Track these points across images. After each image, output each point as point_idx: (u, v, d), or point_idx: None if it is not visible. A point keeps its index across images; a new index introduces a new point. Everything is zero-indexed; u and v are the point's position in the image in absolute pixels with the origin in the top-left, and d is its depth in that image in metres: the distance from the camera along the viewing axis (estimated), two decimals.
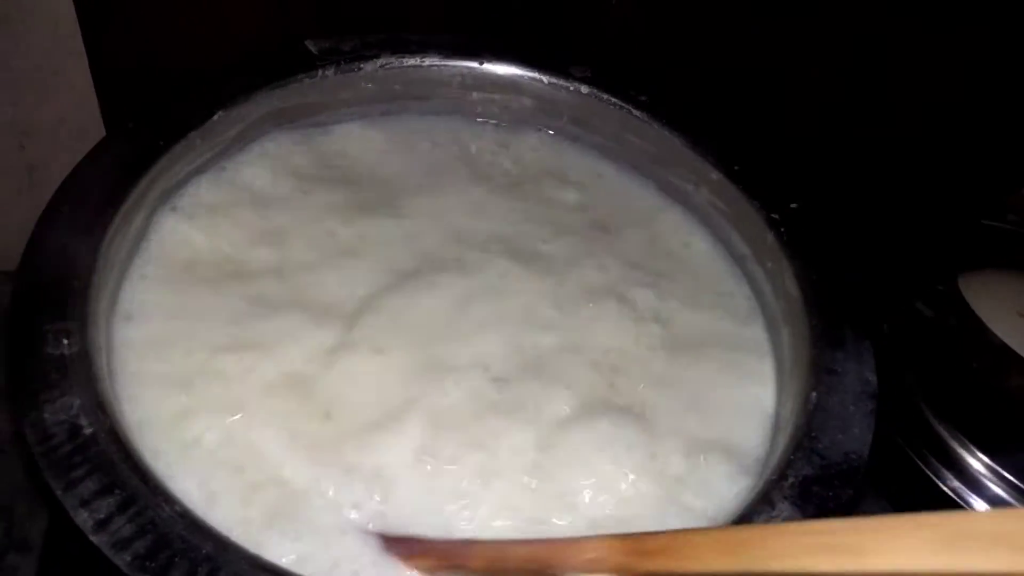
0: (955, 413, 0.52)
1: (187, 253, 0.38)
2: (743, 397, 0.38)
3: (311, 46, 0.44)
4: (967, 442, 0.51)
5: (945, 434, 0.52)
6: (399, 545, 0.30)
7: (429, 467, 0.33)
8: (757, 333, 0.40)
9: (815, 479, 0.31)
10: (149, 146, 0.37)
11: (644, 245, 0.44)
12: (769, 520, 0.29)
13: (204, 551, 0.26)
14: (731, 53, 0.62)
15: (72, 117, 0.61)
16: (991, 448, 0.51)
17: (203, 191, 0.40)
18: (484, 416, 0.34)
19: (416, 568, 0.30)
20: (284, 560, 0.29)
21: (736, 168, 0.43)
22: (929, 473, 0.52)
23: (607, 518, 0.32)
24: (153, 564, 0.25)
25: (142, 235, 0.37)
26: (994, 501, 0.50)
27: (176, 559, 0.26)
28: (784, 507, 0.30)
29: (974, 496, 0.51)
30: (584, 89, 0.46)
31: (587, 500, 0.33)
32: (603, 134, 0.47)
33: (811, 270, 0.39)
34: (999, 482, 0.50)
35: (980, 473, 0.51)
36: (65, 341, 0.30)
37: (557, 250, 0.42)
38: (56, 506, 0.26)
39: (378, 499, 0.32)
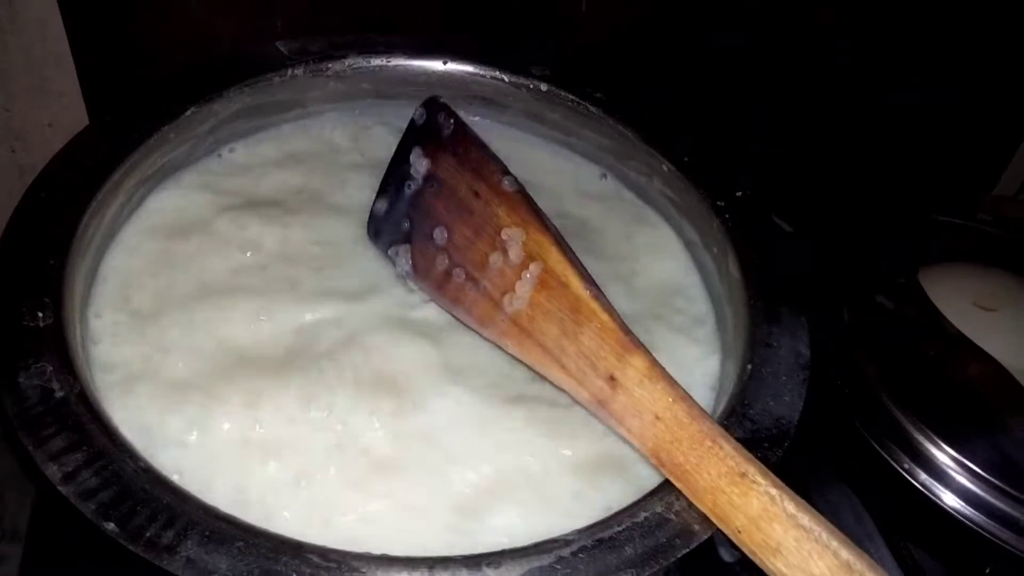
0: (914, 401, 0.53)
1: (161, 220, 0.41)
2: (690, 368, 0.40)
3: (282, 47, 0.46)
4: (926, 429, 0.53)
5: (904, 422, 0.53)
6: None
7: None
8: (703, 312, 0.43)
9: (746, 441, 0.33)
10: (124, 138, 0.40)
11: (600, 233, 0.46)
12: None
13: (164, 501, 0.28)
14: (696, 58, 0.65)
15: (60, 120, 0.64)
16: (948, 435, 0.52)
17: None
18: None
19: None
20: None
21: (685, 160, 0.45)
22: (889, 459, 0.54)
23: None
24: (116, 512, 0.27)
25: (117, 217, 0.39)
26: (951, 485, 0.52)
27: (138, 508, 0.28)
28: None
29: (932, 480, 0.53)
30: (543, 87, 0.48)
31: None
32: (561, 129, 0.49)
33: (753, 253, 0.41)
34: (957, 468, 0.52)
35: (938, 459, 0.53)
36: (40, 314, 0.32)
37: None
38: (37, 479, 0.28)
39: None
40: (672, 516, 0.30)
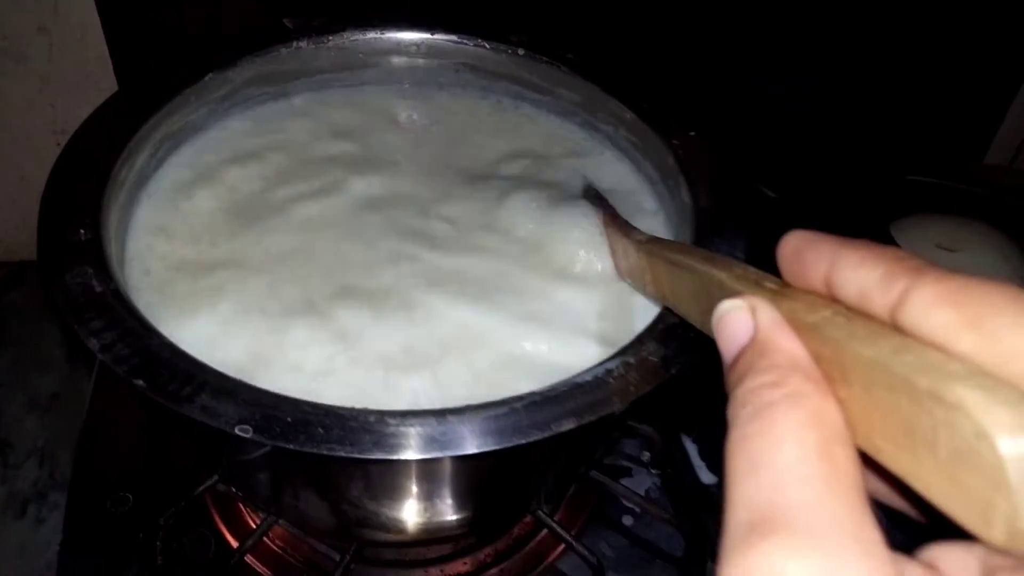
0: None
1: (187, 175, 0.47)
2: None
3: (288, 23, 0.52)
4: None
5: None
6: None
7: None
8: (659, 230, 0.48)
9: (676, 326, 0.38)
10: (152, 99, 0.46)
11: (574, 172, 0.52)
12: (638, 351, 0.36)
13: (181, 365, 0.34)
14: (687, 41, 0.70)
15: None
16: None
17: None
18: None
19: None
20: None
21: (645, 107, 0.51)
22: None
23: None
24: (144, 372, 0.33)
25: (147, 165, 0.46)
26: None
27: (161, 370, 0.33)
28: (651, 345, 0.37)
29: None
30: (521, 51, 0.54)
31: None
32: (538, 89, 0.55)
33: (701, 183, 0.46)
34: None
35: None
36: (82, 231, 0.39)
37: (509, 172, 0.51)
38: (83, 352, 0.34)
39: None
40: (611, 380, 0.35)
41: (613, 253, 0.43)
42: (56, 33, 0.69)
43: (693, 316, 0.30)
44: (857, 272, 0.20)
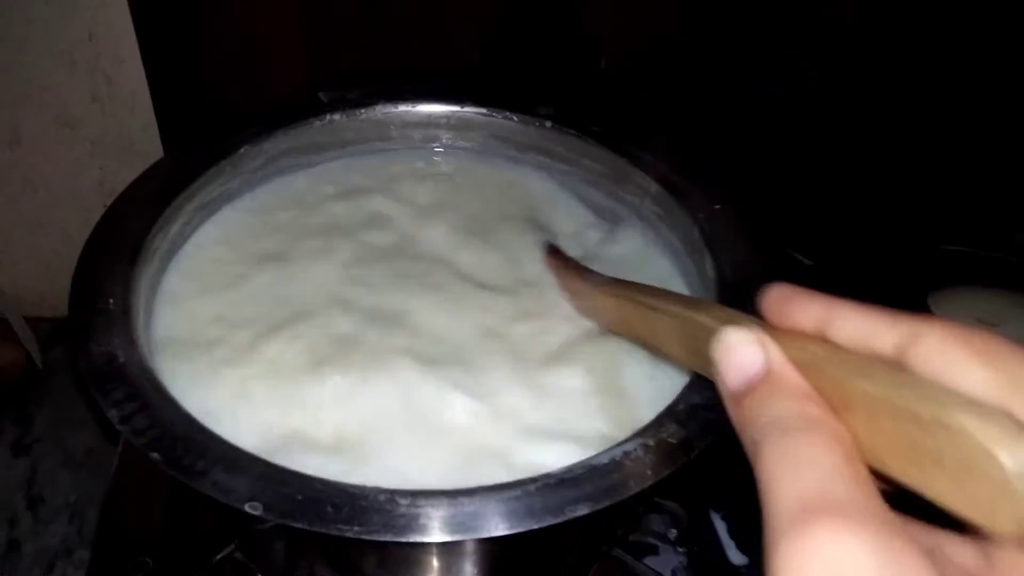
0: None
1: (217, 253, 0.48)
2: None
3: (323, 96, 0.54)
4: None
5: None
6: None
7: None
8: None
9: (702, 406, 0.37)
10: (187, 170, 0.48)
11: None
12: (657, 433, 0.36)
13: (197, 439, 0.34)
14: (707, 104, 0.71)
15: None
16: None
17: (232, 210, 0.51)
18: None
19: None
20: None
21: (672, 181, 0.51)
22: None
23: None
24: (160, 446, 0.34)
25: (180, 233, 0.47)
26: None
27: (177, 443, 0.34)
28: (671, 427, 0.36)
29: None
30: (548, 124, 0.55)
31: None
32: (566, 160, 0.55)
33: (726, 257, 0.46)
34: None
35: None
36: (111, 301, 0.40)
37: None
38: (102, 423, 0.34)
39: None
40: (628, 462, 0.34)
41: (569, 294, 0.45)
42: (108, 102, 0.72)
43: (674, 354, 0.31)
44: (860, 314, 0.22)
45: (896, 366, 0.21)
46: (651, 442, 0.35)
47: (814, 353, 0.22)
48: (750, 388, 0.22)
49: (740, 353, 0.23)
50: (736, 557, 0.55)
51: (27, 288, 0.80)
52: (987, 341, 0.20)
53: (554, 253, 0.49)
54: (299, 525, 0.31)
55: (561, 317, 0.46)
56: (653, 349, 0.34)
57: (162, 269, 0.46)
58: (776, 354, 0.23)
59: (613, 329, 0.40)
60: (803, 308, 0.24)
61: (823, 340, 0.23)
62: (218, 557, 0.46)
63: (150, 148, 0.74)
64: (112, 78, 0.70)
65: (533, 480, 0.34)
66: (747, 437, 0.22)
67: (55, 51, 0.67)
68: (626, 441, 0.36)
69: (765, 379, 0.22)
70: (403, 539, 0.32)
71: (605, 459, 0.35)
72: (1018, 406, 0.19)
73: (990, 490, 0.18)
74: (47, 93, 0.69)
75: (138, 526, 0.52)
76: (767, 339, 0.23)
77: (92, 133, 0.73)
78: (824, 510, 0.18)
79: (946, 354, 0.20)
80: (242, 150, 0.50)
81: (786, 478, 0.19)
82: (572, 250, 0.50)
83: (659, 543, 0.54)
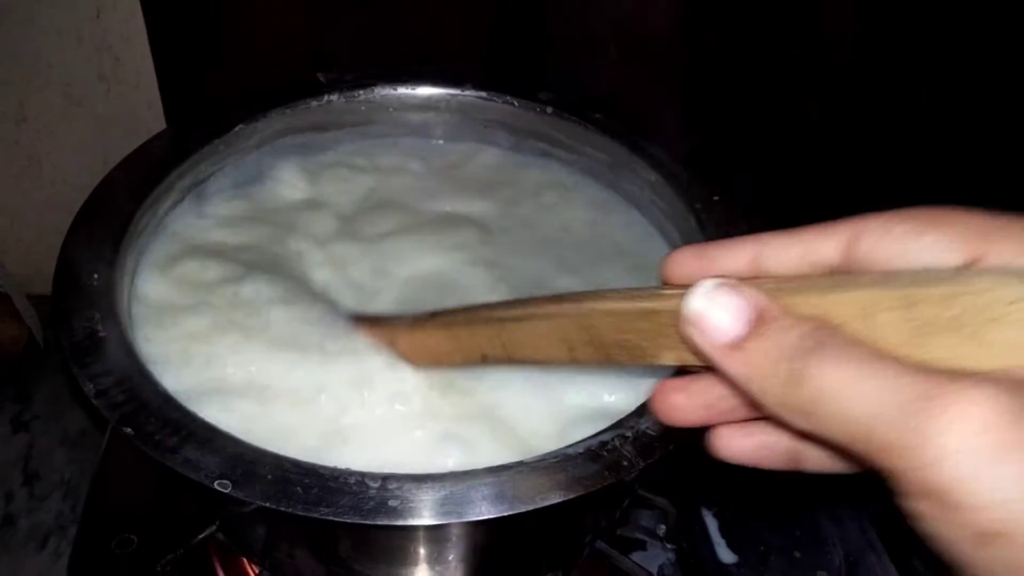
0: None
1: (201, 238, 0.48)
2: None
3: (321, 77, 0.54)
4: None
5: None
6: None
7: None
8: None
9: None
10: (180, 148, 0.48)
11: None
12: (636, 423, 0.35)
13: (172, 416, 0.34)
14: (720, 99, 0.69)
15: None
16: None
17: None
18: None
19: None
20: None
21: (671, 171, 0.50)
22: None
23: None
24: (134, 420, 0.33)
25: (169, 212, 0.47)
26: None
27: (151, 419, 0.34)
28: (650, 418, 0.35)
29: None
30: (549, 110, 0.54)
31: None
32: (565, 147, 0.55)
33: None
34: None
35: None
36: (95, 276, 0.39)
37: None
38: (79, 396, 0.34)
39: None
40: (604, 453, 0.34)
41: (399, 354, 0.40)
42: (114, 80, 0.72)
43: (557, 356, 0.30)
44: (791, 237, 0.23)
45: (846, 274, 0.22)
46: (629, 433, 0.35)
47: (776, 288, 0.22)
48: (750, 332, 0.21)
49: (723, 303, 0.21)
50: (726, 555, 0.54)
51: (30, 265, 0.80)
52: (925, 211, 0.21)
53: (360, 321, 0.43)
54: (267, 504, 0.31)
55: None
56: (516, 362, 0.32)
57: (147, 248, 0.45)
58: (754, 293, 0.21)
59: (455, 361, 0.36)
60: (730, 254, 0.24)
61: (767, 277, 0.23)
62: (200, 537, 0.45)
63: (155, 127, 0.73)
64: (119, 56, 0.70)
65: (506, 467, 0.33)
66: (771, 374, 0.20)
67: (62, 28, 0.67)
68: (604, 431, 0.35)
69: (760, 318, 0.21)
70: (371, 522, 0.31)
71: (580, 448, 0.34)
72: (992, 252, 0.20)
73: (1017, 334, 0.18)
74: (54, 71, 0.69)
75: (124, 504, 0.52)
76: (739, 283, 0.22)
77: (98, 111, 0.73)
78: (944, 384, 0.18)
79: (894, 235, 0.21)
80: (236, 129, 0.50)
81: (862, 377, 0.19)
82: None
83: (647, 539, 0.53)
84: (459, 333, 0.35)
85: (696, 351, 0.22)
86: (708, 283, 0.22)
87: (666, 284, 0.26)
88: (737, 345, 0.21)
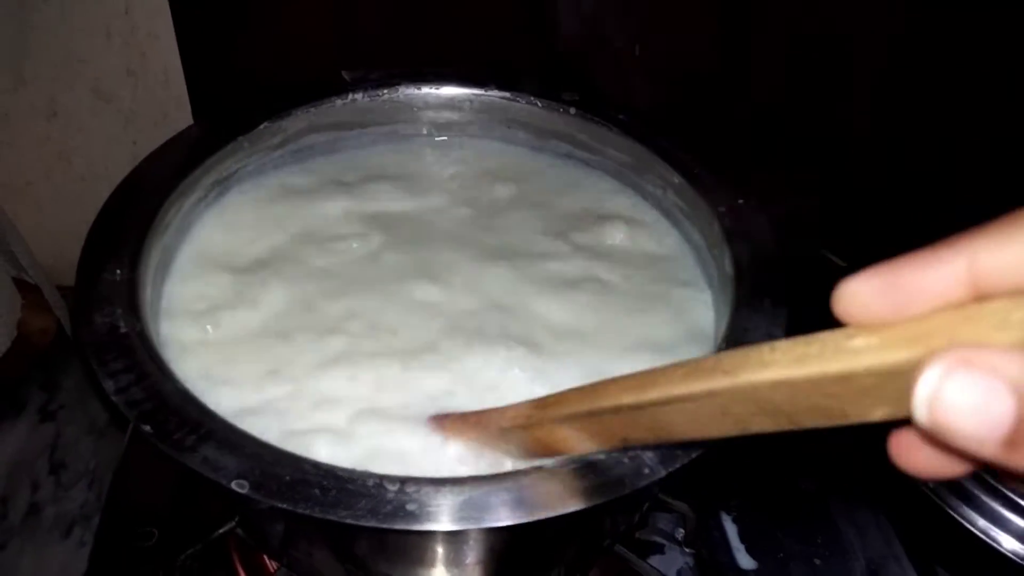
0: None
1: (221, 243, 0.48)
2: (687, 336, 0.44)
3: (346, 75, 0.54)
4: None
5: None
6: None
7: None
8: (704, 298, 0.46)
9: None
10: (205, 145, 0.48)
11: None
12: None
13: (191, 414, 0.34)
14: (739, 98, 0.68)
15: None
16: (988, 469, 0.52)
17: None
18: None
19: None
20: None
21: (695, 173, 0.49)
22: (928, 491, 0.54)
23: None
24: (153, 418, 0.34)
25: (195, 207, 0.47)
26: (992, 516, 0.52)
27: (170, 416, 0.34)
28: None
29: (972, 512, 0.53)
30: (572, 111, 0.53)
31: None
32: (589, 149, 0.54)
33: (745, 253, 0.44)
34: (995, 498, 0.52)
35: (976, 491, 0.53)
36: (119, 271, 0.40)
37: None
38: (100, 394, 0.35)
39: None
40: (626, 459, 0.33)
41: (489, 448, 0.37)
42: (142, 76, 0.73)
43: (727, 430, 0.25)
44: (1011, 243, 0.17)
45: None
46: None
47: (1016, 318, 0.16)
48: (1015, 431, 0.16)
49: (975, 390, 0.16)
50: (745, 561, 0.54)
51: (60, 257, 0.81)
52: None
53: (437, 420, 0.39)
54: (284, 506, 0.31)
55: None
56: (675, 441, 0.28)
57: (174, 244, 0.46)
58: (1013, 368, 0.16)
59: (582, 450, 0.32)
60: (934, 273, 0.17)
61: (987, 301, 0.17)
62: (220, 532, 0.46)
63: (183, 122, 0.74)
64: (146, 52, 0.71)
65: (525, 472, 0.33)
66: None
67: (92, 24, 0.68)
68: None
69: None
70: (389, 526, 0.31)
71: (602, 455, 0.34)
72: None
73: None
74: (84, 66, 0.70)
75: (146, 498, 0.52)
76: (978, 357, 0.16)
77: (126, 106, 0.74)
78: None
79: None
80: (261, 127, 0.50)
81: None
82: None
83: (665, 543, 0.53)
84: (589, 426, 0.30)
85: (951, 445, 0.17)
86: (938, 365, 0.16)
87: (849, 328, 0.20)
88: (1015, 441, 0.16)
